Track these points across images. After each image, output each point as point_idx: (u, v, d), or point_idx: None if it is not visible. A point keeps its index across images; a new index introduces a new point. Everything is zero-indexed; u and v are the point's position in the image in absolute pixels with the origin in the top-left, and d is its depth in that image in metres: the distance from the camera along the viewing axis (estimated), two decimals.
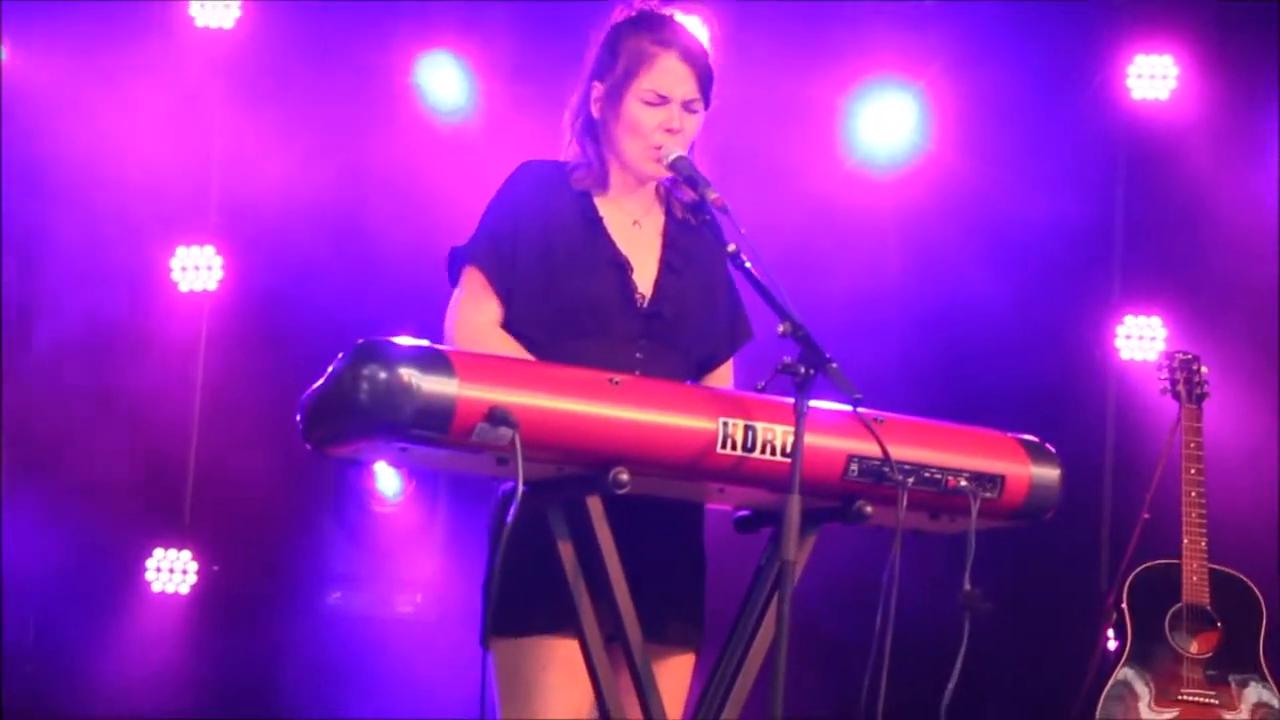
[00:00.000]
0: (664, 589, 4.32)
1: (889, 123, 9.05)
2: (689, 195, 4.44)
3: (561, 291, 4.39)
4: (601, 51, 4.55)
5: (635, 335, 4.41)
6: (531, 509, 3.87)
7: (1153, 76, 9.00)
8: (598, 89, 4.53)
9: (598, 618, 4.01)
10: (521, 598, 4.21)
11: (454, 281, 4.50)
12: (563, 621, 4.14)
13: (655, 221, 4.58)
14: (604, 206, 4.52)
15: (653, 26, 4.55)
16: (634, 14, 4.59)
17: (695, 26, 8.93)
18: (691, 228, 4.54)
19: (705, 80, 4.51)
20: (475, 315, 4.41)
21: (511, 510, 3.71)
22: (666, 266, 4.51)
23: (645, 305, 4.45)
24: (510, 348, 4.34)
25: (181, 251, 9.18)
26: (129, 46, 8.97)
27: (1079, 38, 9.02)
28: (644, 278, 4.48)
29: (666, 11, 4.63)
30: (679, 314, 4.46)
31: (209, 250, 9.18)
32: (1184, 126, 8.94)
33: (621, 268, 4.45)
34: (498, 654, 4.29)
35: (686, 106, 4.47)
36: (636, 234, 4.53)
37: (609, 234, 4.49)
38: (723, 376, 4.62)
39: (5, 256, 8.83)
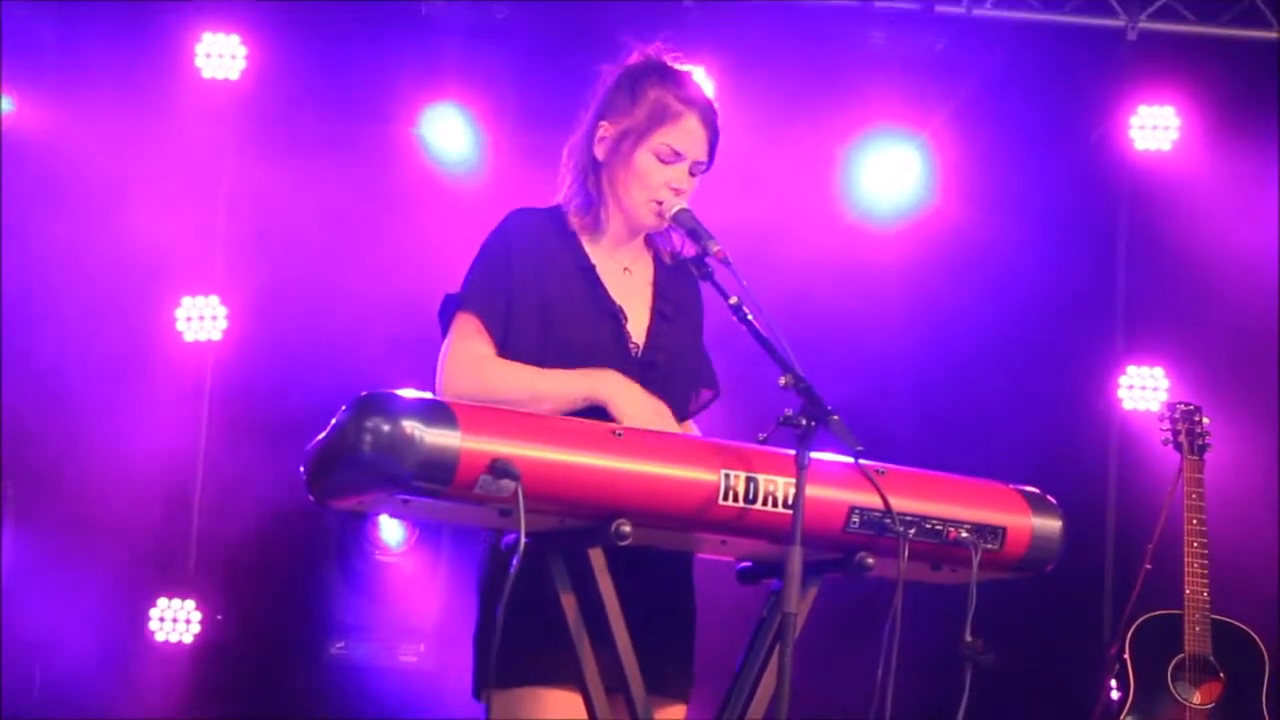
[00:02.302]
0: (658, 640, 4.28)
1: (891, 174, 9.07)
2: (691, 249, 4.43)
3: (556, 340, 4.36)
4: (616, 93, 4.51)
5: None
6: (526, 560, 3.86)
7: (1155, 127, 9.05)
8: (605, 129, 4.49)
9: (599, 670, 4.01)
10: (519, 649, 4.18)
11: (445, 330, 4.43)
12: (561, 673, 4.14)
13: (645, 269, 4.57)
14: (596, 253, 4.50)
15: (679, 82, 4.53)
16: (655, 63, 4.57)
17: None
18: (677, 275, 4.54)
19: (714, 142, 4.50)
20: (469, 350, 4.35)
21: (514, 562, 3.71)
22: (658, 314, 4.50)
23: (639, 354, 4.43)
24: (513, 369, 4.29)
25: (187, 301, 9.21)
26: (136, 97, 9.00)
27: (1082, 89, 9.07)
28: (637, 326, 4.46)
29: (683, 68, 4.62)
30: (672, 361, 4.45)
31: (214, 300, 9.20)
32: (1186, 177, 8.97)
33: (616, 317, 4.43)
34: (496, 705, 4.28)
35: (694, 169, 4.46)
36: (628, 281, 4.52)
37: (602, 282, 4.47)
38: (689, 426, 4.60)
39: (11, 304, 8.84)
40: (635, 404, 4.22)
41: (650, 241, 4.60)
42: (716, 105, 4.54)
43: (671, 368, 4.45)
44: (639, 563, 4.12)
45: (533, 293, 4.39)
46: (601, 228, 4.51)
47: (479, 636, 4.36)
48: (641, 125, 4.45)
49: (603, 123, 4.50)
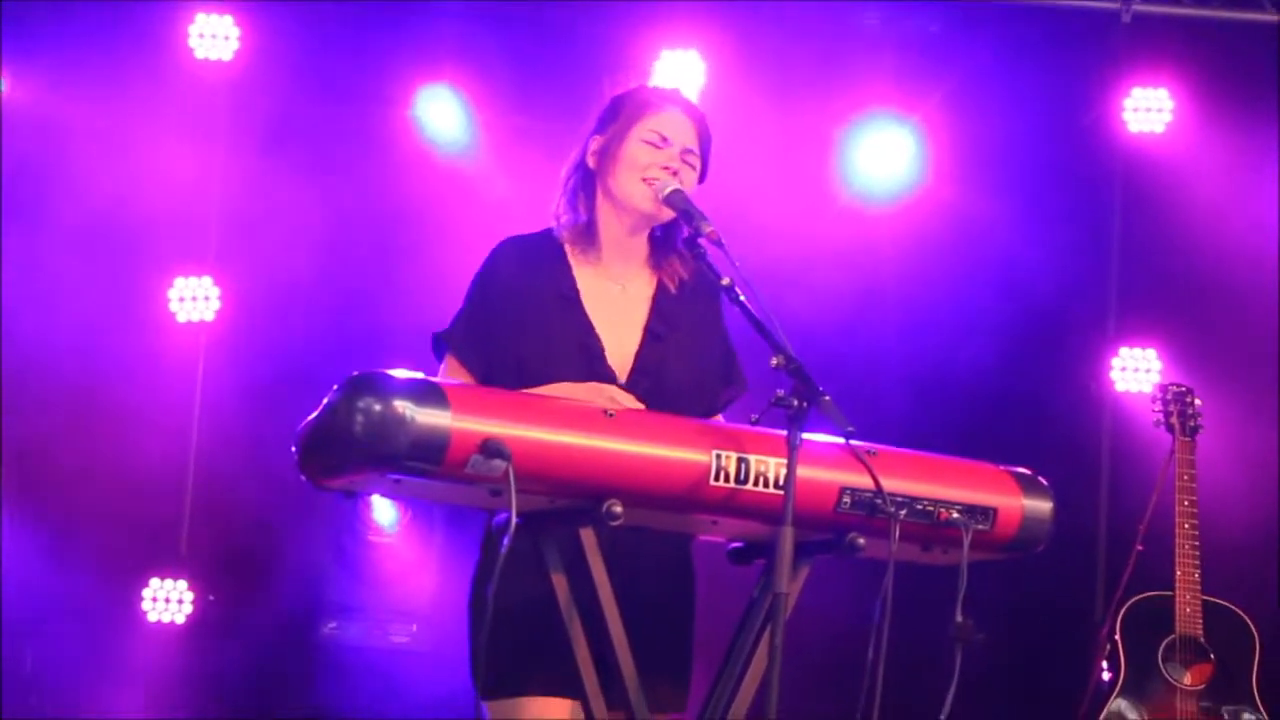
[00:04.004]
0: (651, 652, 4.21)
1: (885, 156, 9.08)
2: (684, 230, 4.43)
3: (532, 377, 4.34)
4: (604, 112, 4.57)
5: None
6: (520, 564, 3.87)
7: (1149, 110, 9.05)
8: (596, 141, 4.53)
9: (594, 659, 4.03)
10: (515, 657, 4.23)
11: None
12: (559, 684, 4.18)
13: (643, 287, 4.56)
14: (586, 276, 4.51)
15: (659, 88, 4.63)
16: (639, 85, 4.64)
17: (692, 60, 9.05)
18: (683, 292, 4.53)
19: (704, 142, 4.53)
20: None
21: (505, 541, 3.72)
22: (649, 335, 4.49)
23: (625, 380, 4.41)
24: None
25: (180, 282, 9.21)
26: (129, 77, 8.99)
27: (1075, 71, 9.06)
28: (622, 350, 4.45)
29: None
30: (657, 386, 4.41)
31: (207, 281, 9.20)
32: (1180, 159, 8.97)
33: (591, 350, 4.42)
34: (492, 713, 4.29)
35: (685, 156, 4.48)
36: (620, 300, 4.51)
37: (584, 311, 4.46)
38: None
39: (3, 286, 8.84)
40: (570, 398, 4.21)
41: (657, 261, 4.57)
42: (705, 116, 4.56)
43: (662, 389, 4.40)
44: (636, 570, 4.13)
45: (511, 327, 4.43)
46: (595, 243, 4.53)
47: (473, 634, 4.38)
48: (627, 120, 4.50)
49: (594, 137, 4.56)
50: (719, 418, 4.55)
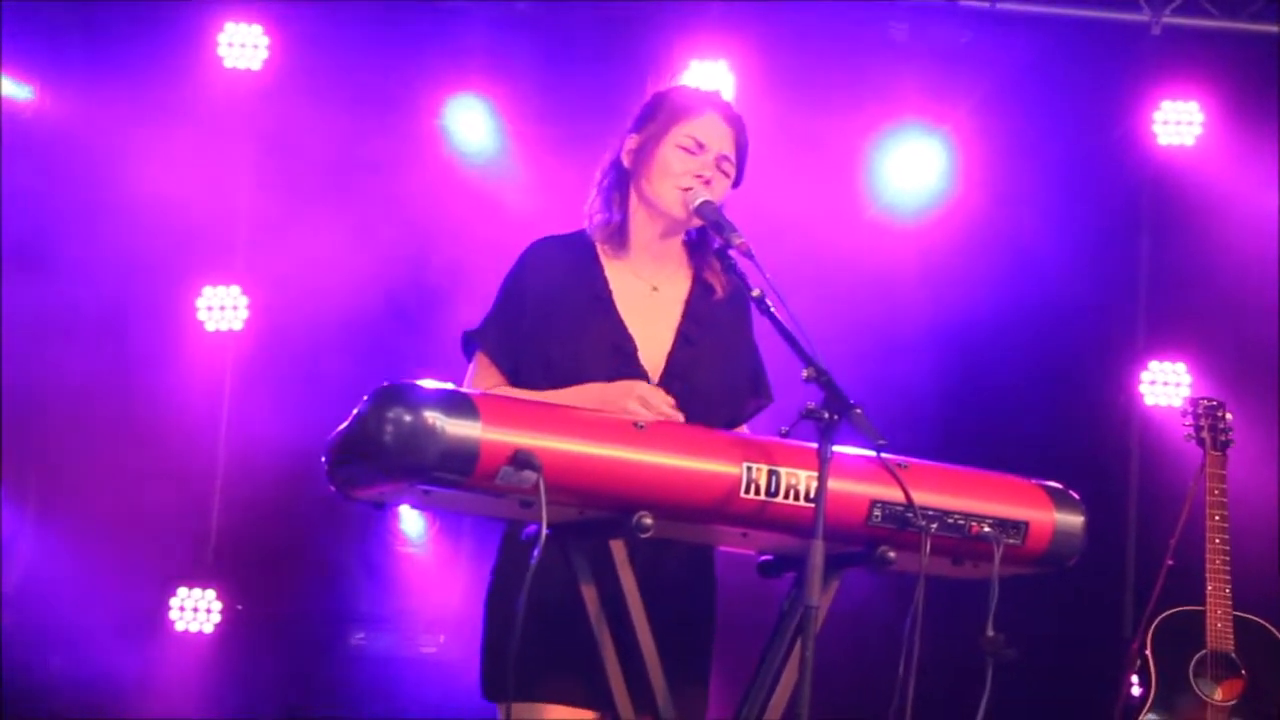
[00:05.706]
0: (670, 666, 4.14)
1: (914, 167, 9.07)
2: (715, 241, 4.42)
3: (563, 377, 4.34)
4: (643, 110, 4.55)
5: None
6: (546, 579, 3.86)
7: (1178, 123, 9.03)
8: (633, 140, 4.52)
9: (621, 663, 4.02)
10: (536, 664, 4.20)
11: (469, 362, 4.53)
12: (580, 693, 4.20)
13: (677, 287, 4.55)
14: (619, 275, 4.49)
15: (700, 90, 4.62)
16: (679, 84, 4.64)
17: (721, 71, 9.04)
18: (717, 295, 4.52)
19: (741, 148, 4.52)
20: (480, 384, 4.41)
21: (535, 554, 3.71)
22: (681, 338, 4.48)
23: (657, 382, 4.38)
24: (514, 393, 4.30)
25: (208, 291, 9.22)
26: (158, 87, 9.01)
27: (1105, 83, 9.05)
28: (654, 352, 4.44)
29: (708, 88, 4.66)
30: (690, 389, 4.38)
31: (235, 290, 9.21)
32: (1209, 173, 8.95)
33: (623, 350, 4.41)
34: (508, 716, 4.28)
35: (720, 164, 4.46)
36: (653, 301, 4.50)
37: (617, 311, 4.45)
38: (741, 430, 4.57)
39: (33, 295, 8.86)
40: (601, 397, 4.21)
41: (693, 261, 4.57)
42: (744, 119, 4.54)
43: (693, 393, 4.38)
44: (657, 586, 4.11)
45: (542, 328, 4.42)
46: (627, 243, 4.52)
47: (488, 637, 4.38)
48: (664, 123, 4.48)
49: (631, 135, 4.54)
50: (744, 428, 4.55)
